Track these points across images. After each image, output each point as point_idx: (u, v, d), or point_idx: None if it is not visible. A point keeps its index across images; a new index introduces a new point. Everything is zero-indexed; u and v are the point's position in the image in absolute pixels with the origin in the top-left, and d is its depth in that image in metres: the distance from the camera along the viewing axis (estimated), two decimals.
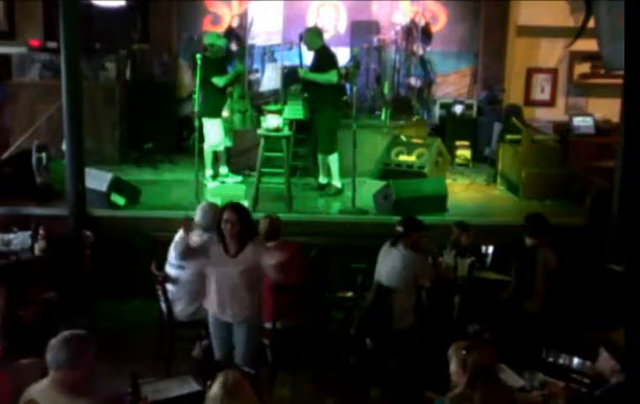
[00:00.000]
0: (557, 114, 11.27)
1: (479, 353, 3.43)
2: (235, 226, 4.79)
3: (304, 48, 8.58)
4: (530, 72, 11.52)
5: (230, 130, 8.62)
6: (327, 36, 9.35)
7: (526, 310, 5.69)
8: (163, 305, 5.51)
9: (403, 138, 9.38)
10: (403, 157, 9.12)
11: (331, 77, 8.17)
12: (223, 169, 8.88)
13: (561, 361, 4.36)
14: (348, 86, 9.61)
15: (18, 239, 6.16)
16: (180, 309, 5.50)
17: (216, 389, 3.21)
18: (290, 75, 8.89)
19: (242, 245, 4.83)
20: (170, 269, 5.59)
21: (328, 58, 8.28)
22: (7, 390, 3.64)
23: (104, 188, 7.45)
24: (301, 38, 8.53)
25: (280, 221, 5.92)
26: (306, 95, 8.33)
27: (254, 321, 4.93)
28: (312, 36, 8.35)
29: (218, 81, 8.31)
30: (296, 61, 9.01)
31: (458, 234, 6.25)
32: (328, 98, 8.31)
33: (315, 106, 8.33)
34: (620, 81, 7.10)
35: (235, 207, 4.96)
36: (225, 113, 8.40)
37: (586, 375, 4.15)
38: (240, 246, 4.83)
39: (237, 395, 3.19)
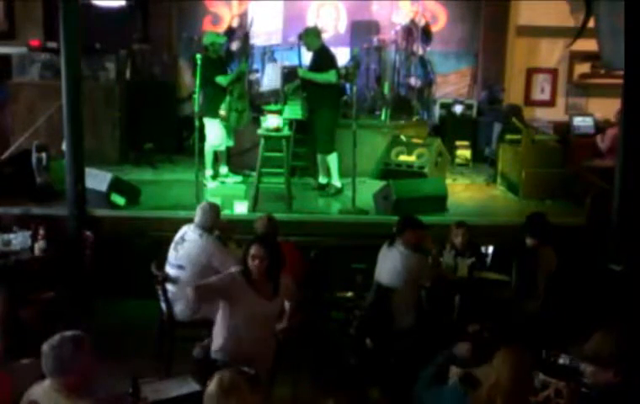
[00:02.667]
0: (557, 114, 11.27)
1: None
2: (264, 262, 4.35)
3: (304, 48, 8.58)
4: (530, 72, 11.52)
5: (229, 128, 8.64)
6: (327, 36, 9.36)
7: (527, 310, 5.69)
8: (163, 305, 5.51)
9: (403, 138, 9.39)
10: (403, 157, 9.13)
11: (330, 77, 8.18)
12: (223, 169, 8.89)
13: (561, 361, 4.35)
14: (348, 86, 9.62)
15: (18, 239, 6.16)
16: (180, 309, 5.50)
17: (211, 388, 3.22)
18: (290, 75, 8.89)
19: (277, 283, 4.44)
20: (170, 269, 5.59)
21: (326, 58, 8.28)
22: (7, 390, 3.63)
23: (104, 188, 7.45)
24: (300, 37, 8.53)
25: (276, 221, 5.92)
26: (304, 95, 8.33)
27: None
28: (311, 36, 8.35)
29: (222, 80, 8.32)
30: (296, 61, 9.01)
31: (456, 233, 6.25)
32: (327, 97, 8.32)
33: (313, 106, 8.34)
34: (620, 81, 7.10)
35: (264, 242, 4.49)
36: (222, 112, 8.39)
37: (586, 375, 4.14)
38: (275, 285, 4.43)
39: (233, 394, 3.19)
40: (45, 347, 3.33)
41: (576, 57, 11.20)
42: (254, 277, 4.35)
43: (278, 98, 8.96)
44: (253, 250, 4.36)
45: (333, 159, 8.42)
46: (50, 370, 3.31)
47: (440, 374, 3.83)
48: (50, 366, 3.30)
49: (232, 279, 4.45)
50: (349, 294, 6.05)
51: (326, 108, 8.33)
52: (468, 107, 10.96)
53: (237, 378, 3.30)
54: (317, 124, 8.43)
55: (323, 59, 8.27)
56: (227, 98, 8.37)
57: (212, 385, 3.22)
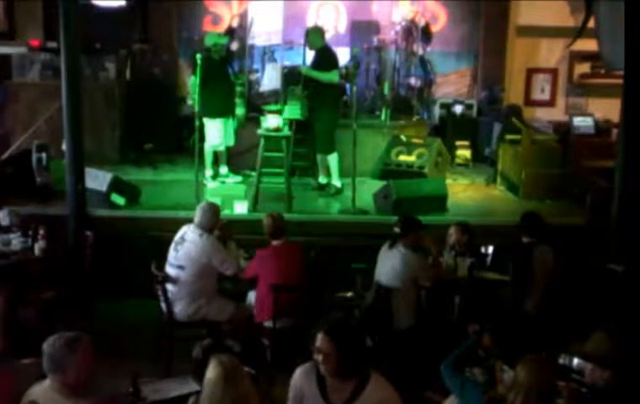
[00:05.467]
0: (557, 114, 11.27)
1: None
2: (332, 361, 3.18)
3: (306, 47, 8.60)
4: (530, 72, 11.53)
5: (229, 128, 8.66)
6: (327, 36, 9.34)
7: (526, 308, 5.69)
8: (163, 305, 5.52)
9: (403, 138, 9.39)
10: (403, 157, 9.13)
11: (332, 76, 8.18)
12: (223, 169, 8.90)
13: (561, 361, 4.35)
14: (348, 86, 9.62)
15: (18, 239, 6.15)
16: (180, 309, 5.50)
17: (213, 373, 3.16)
18: (290, 75, 8.90)
19: (357, 389, 3.19)
20: (170, 269, 5.59)
21: (329, 58, 8.29)
22: (7, 390, 3.64)
23: (104, 188, 7.46)
24: (306, 35, 8.55)
25: (283, 220, 5.90)
26: (305, 93, 8.34)
27: None
28: (314, 36, 8.36)
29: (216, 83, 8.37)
30: (296, 61, 9.03)
31: (450, 233, 6.23)
32: (327, 97, 8.33)
33: (313, 105, 8.34)
34: (620, 81, 7.10)
35: (332, 331, 3.21)
36: (239, 110, 8.49)
37: (585, 374, 4.15)
38: (352, 391, 3.20)
39: (236, 378, 3.16)
40: (47, 345, 3.34)
41: (576, 57, 11.21)
42: (322, 373, 3.29)
43: (278, 98, 8.97)
44: (317, 341, 3.23)
45: (333, 159, 8.42)
46: (50, 368, 3.32)
47: (465, 359, 3.95)
48: (54, 363, 3.31)
49: (299, 373, 3.48)
50: (349, 294, 6.04)
51: (326, 108, 8.33)
52: (468, 107, 10.97)
53: (237, 362, 3.27)
54: (317, 124, 8.44)
55: (325, 58, 8.27)
56: (241, 100, 8.49)
57: (213, 370, 3.17)
